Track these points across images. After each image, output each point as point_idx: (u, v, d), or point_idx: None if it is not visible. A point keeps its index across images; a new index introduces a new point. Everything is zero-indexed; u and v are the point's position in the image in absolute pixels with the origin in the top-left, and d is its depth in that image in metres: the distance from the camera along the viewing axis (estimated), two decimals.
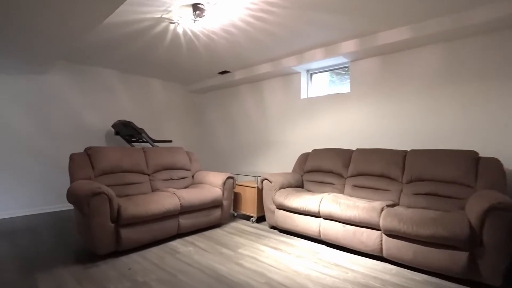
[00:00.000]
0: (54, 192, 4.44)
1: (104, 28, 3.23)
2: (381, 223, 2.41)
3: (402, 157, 3.06)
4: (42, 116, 4.33)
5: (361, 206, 2.59)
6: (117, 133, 4.79)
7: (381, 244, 2.46)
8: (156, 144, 4.67)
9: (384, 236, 2.44)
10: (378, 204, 2.56)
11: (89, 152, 3.15)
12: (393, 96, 3.56)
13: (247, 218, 4.05)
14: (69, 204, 4.58)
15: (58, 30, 2.83)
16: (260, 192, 3.79)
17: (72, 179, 2.87)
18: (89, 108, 4.82)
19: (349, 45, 3.57)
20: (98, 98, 4.93)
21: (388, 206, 2.57)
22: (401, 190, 2.93)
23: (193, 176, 4.08)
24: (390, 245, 2.39)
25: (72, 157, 3.01)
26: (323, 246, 2.91)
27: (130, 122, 4.22)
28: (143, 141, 4.84)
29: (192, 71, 5.11)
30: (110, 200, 2.47)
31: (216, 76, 5.44)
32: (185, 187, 3.87)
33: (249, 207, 3.86)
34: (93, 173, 3.04)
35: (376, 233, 2.49)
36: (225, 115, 5.94)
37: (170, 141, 4.80)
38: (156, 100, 5.79)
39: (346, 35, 3.43)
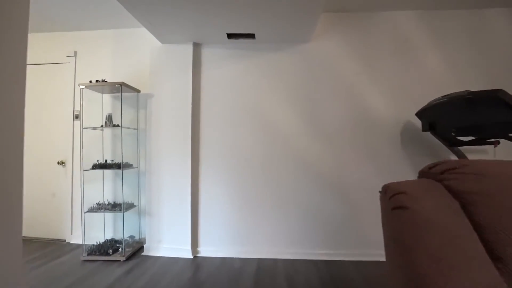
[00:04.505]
0: (338, 232, 2.75)
1: None
2: None
3: None
4: (307, 103, 2.81)
5: None
6: (430, 127, 2.34)
7: None
8: None
9: None
10: None
11: (460, 188, 0.81)
12: None
13: None
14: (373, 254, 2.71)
15: None
16: None
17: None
18: (370, 86, 2.77)
19: None
20: (384, 67, 2.77)
21: None
22: None
23: None
24: None
25: (405, 203, 0.82)
26: None
27: (498, 91, 1.56)
28: (487, 143, 2.03)
29: None
30: None
31: None
32: None
33: None
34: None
35: None
36: None
37: None
38: (500, 51, 2.73)
39: None
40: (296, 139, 2.79)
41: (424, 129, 2.43)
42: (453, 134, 2.26)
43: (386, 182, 2.67)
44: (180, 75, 2.82)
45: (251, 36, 2.70)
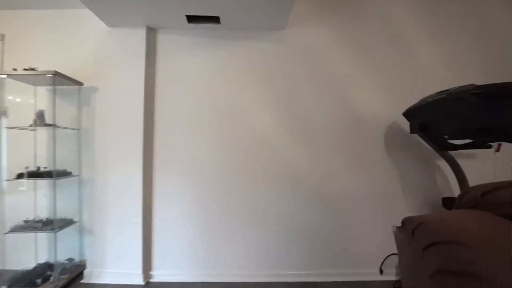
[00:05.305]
0: (323, 251, 2.38)
1: None
2: None
3: None
4: (283, 100, 2.43)
5: None
6: (421, 128, 2.03)
7: None
8: None
9: None
10: None
11: None
12: None
13: None
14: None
15: None
16: None
17: None
18: (357, 80, 2.43)
19: None
20: (374, 59, 2.45)
21: None
22: None
23: None
24: None
25: (472, 267, 0.45)
26: None
27: None
28: (485, 147, 1.76)
29: None
30: None
31: None
32: None
33: None
34: None
35: None
36: None
37: None
38: (507, 42, 2.49)
39: None
40: (271, 142, 2.40)
41: (412, 131, 2.13)
42: (445, 136, 1.96)
43: (377, 192, 2.24)
44: (130, 66, 2.35)
45: (215, 19, 2.28)
